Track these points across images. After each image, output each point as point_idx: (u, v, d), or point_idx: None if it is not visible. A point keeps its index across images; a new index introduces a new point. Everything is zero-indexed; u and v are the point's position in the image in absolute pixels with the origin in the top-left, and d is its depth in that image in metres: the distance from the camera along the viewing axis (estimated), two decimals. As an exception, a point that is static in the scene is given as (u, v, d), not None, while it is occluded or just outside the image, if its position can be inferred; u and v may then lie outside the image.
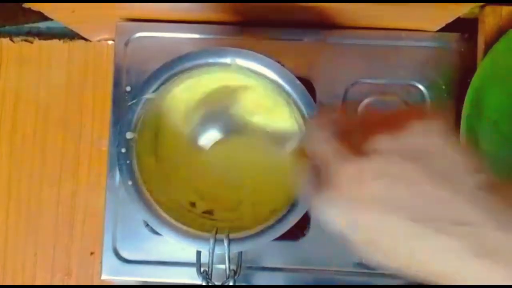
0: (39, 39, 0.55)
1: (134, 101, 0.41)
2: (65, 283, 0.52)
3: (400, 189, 0.23)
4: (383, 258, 0.25)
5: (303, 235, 0.46)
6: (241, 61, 0.41)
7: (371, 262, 0.25)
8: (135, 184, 0.40)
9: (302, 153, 0.28)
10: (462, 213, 0.22)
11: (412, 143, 0.24)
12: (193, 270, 0.40)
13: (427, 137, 0.24)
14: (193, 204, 0.45)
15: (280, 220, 0.39)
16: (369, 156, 0.24)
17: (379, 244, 0.24)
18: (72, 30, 0.52)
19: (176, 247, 0.46)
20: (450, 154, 0.23)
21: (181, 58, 0.41)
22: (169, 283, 0.47)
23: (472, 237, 0.22)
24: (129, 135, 0.41)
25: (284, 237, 0.40)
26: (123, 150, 0.40)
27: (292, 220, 0.39)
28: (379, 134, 0.24)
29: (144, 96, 0.41)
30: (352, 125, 0.27)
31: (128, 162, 0.40)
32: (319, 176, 0.26)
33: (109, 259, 0.47)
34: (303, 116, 0.41)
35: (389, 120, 0.25)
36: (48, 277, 0.52)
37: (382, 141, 0.24)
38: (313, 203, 0.26)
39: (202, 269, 0.40)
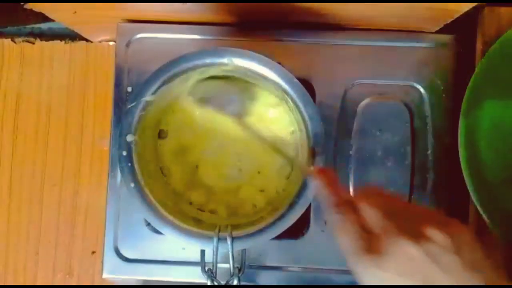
0: (41, 40, 0.55)
1: (133, 103, 0.41)
2: (66, 282, 0.52)
3: (440, 272, 0.28)
4: None
5: (303, 234, 0.46)
6: (239, 62, 0.41)
7: None
8: (137, 186, 0.40)
9: (349, 210, 0.32)
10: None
11: (454, 242, 0.29)
12: (194, 268, 0.40)
13: (463, 241, 0.29)
14: (194, 204, 0.45)
15: (282, 217, 0.40)
16: (424, 242, 0.29)
17: None
18: (73, 31, 0.52)
19: (177, 246, 0.46)
20: (473, 255, 0.29)
21: (179, 59, 0.41)
22: (169, 282, 0.47)
23: None
24: (129, 137, 0.41)
25: (285, 236, 0.40)
26: (124, 153, 0.41)
27: (294, 216, 0.40)
28: (433, 229, 0.29)
29: (143, 98, 0.41)
30: (402, 209, 0.32)
31: (129, 164, 0.41)
32: (368, 240, 0.30)
33: (110, 258, 0.47)
34: (302, 116, 0.41)
35: (441, 222, 0.30)
36: (49, 276, 0.52)
37: (436, 235, 0.29)
38: (356, 260, 0.30)
39: (206, 268, 0.40)
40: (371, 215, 0.31)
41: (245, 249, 0.41)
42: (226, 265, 0.40)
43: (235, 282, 0.40)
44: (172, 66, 0.41)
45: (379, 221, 0.31)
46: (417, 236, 0.29)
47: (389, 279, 0.29)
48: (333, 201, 0.33)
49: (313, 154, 0.40)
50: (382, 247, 0.29)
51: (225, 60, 0.41)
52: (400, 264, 0.29)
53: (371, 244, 0.30)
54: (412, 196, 0.47)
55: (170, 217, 0.40)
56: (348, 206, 0.32)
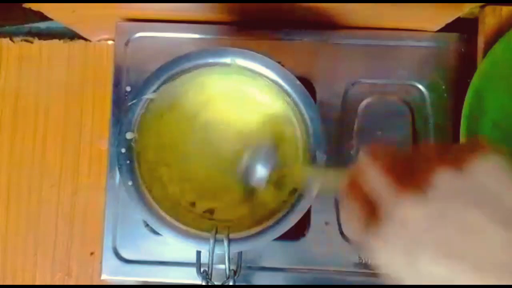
0: (39, 39, 0.55)
1: (134, 101, 0.41)
2: (65, 283, 0.52)
3: (462, 235, 0.21)
4: None
5: (303, 235, 0.46)
6: (241, 61, 0.41)
7: None
8: (135, 184, 0.40)
9: (353, 185, 0.27)
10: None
11: (474, 182, 0.22)
12: (193, 270, 0.40)
13: (489, 174, 0.22)
14: (193, 204, 0.45)
15: (280, 220, 0.39)
16: (428, 195, 0.22)
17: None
18: (72, 30, 0.52)
19: (176, 247, 0.46)
20: None
21: (181, 58, 0.41)
22: (168, 283, 0.47)
23: None
24: (129, 135, 0.41)
25: (284, 237, 0.40)
26: (123, 150, 0.40)
27: (292, 220, 0.39)
28: (437, 170, 0.22)
29: (144, 96, 0.41)
30: (406, 158, 0.26)
31: (128, 162, 0.40)
32: (371, 212, 0.25)
33: (109, 259, 0.47)
34: (303, 116, 0.41)
35: (446, 155, 0.23)
36: (48, 277, 0.52)
37: (441, 178, 0.22)
38: (364, 240, 0.25)
39: (202, 269, 0.40)
40: (373, 180, 0.25)
41: (241, 251, 0.41)
42: (223, 267, 0.39)
43: (230, 284, 0.40)
44: (174, 65, 0.41)
45: (380, 183, 0.24)
46: (418, 188, 0.22)
47: (393, 252, 0.23)
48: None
49: (313, 155, 0.40)
50: (382, 214, 0.23)
51: (227, 60, 0.41)
52: (400, 231, 0.22)
53: (374, 214, 0.24)
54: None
55: (168, 217, 0.40)
56: (353, 184, 0.27)
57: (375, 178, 0.25)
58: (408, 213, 0.22)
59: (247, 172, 0.43)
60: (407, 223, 0.22)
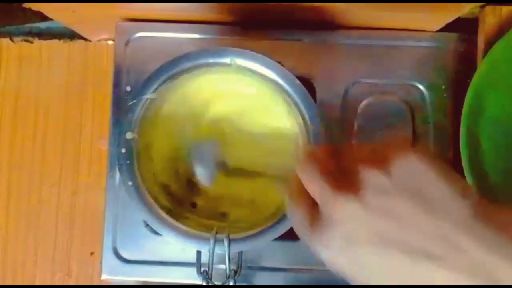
0: (39, 39, 0.55)
1: (134, 101, 0.41)
2: (65, 283, 0.52)
3: (391, 223, 0.23)
4: None
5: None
6: (241, 61, 0.41)
7: None
8: (135, 185, 0.40)
9: (296, 189, 0.28)
10: (456, 243, 0.22)
11: (401, 177, 0.24)
12: (193, 270, 0.40)
13: (414, 170, 0.24)
14: (193, 204, 0.45)
15: (280, 220, 0.39)
16: (358, 193, 0.24)
17: (374, 278, 0.24)
18: (72, 30, 0.52)
19: (176, 247, 0.46)
20: (436, 183, 0.23)
21: (181, 58, 0.41)
22: (169, 283, 0.47)
23: (468, 267, 0.22)
24: (129, 135, 0.41)
25: (284, 237, 0.40)
26: (123, 151, 0.40)
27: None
28: (365, 170, 0.24)
29: (144, 96, 0.41)
30: (340, 159, 0.28)
31: (128, 162, 0.40)
32: (313, 215, 0.26)
33: (109, 259, 0.47)
34: (303, 116, 0.41)
35: (375, 154, 0.25)
36: (48, 277, 0.52)
37: (369, 178, 0.24)
38: (308, 243, 0.26)
39: (202, 269, 0.40)
40: (311, 183, 0.27)
41: (241, 251, 0.41)
42: (223, 267, 0.39)
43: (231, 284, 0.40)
44: (174, 65, 0.41)
45: (317, 185, 0.26)
46: (350, 188, 0.24)
47: (336, 251, 0.25)
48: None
49: None
50: (322, 216, 0.25)
51: (227, 60, 0.41)
52: (337, 230, 0.24)
53: (316, 217, 0.26)
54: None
55: (167, 217, 0.40)
56: (296, 189, 0.28)
57: (312, 181, 0.27)
58: (343, 212, 0.24)
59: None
60: (343, 221, 0.24)
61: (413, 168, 0.24)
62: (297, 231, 0.28)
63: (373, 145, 0.27)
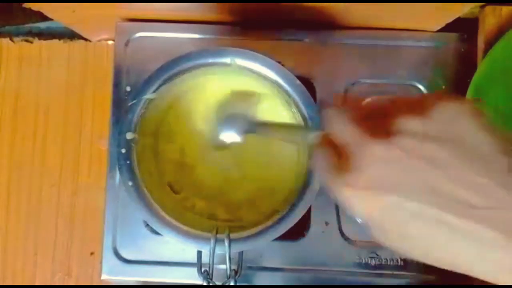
0: (39, 39, 0.55)
1: (134, 101, 0.41)
2: (65, 283, 0.52)
3: (425, 173, 0.22)
4: (403, 246, 0.23)
5: (303, 235, 0.46)
6: (241, 61, 0.41)
7: (390, 248, 0.24)
8: (135, 185, 0.40)
9: (322, 139, 0.27)
10: (494, 197, 0.21)
11: (440, 124, 0.22)
12: (193, 270, 0.40)
13: (455, 118, 0.22)
14: (193, 204, 0.45)
15: (280, 220, 0.39)
16: (394, 137, 0.23)
17: (396, 231, 0.23)
18: (72, 30, 0.52)
19: (176, 247, 0.46)
20: (479, 136, 0.22)
21: (181, 58, 0.41)
22: (169, 283, 0.47)
23: (504, 225, 0.20)
24: (129, 135, 0.41)
25: (284, 237, 0.40)
26: (123, 151, 0.40)
27: (292, 220, 0.39)
28: (404, 116, 0.23)
29: (144, 97, 0.41)
30: (375, 109, 0.26)
31: (128, 162, 0.40)
32: (340, 160, 0.25)
33: (109, 259, 0.47)
34: (303, 116, 0.41)
35: (414, 104, 0.24)
36: (48, 277, 0.52)
37: (408, 123, 0.23)
38: (334, 187, 0.25)
39: (203, 269, 0.40)
40: (341, 128, 0.25)
41: (242, 251, 0.41)
42: (224, 267, 0.39)
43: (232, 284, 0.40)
44: (174, 65, 0.41)
45: (349, 133, 0.25)
46: (386, 133, 0.23)
47: (361, 196, 0.23)
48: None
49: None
50: (351, 161, 0.24)
51: (227, 60, 0.41)
52: (369, 174, 0.23)
53: (343, 161, 0.24)
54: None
55: (168, 217, 0.40)
56: (324, 137, 0.27)
57: (343, 127, 0.25)
58: (374, 158, 0.23)
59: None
60: (375, 164, 0.23)
61: (455, 114, 0.22)
62: (321, 173, 0.26)
63: (409, 97, 0.26)
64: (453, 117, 0.23)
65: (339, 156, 0.25)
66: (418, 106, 0.23)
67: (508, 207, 0.21)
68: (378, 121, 0.24)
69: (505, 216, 0.21)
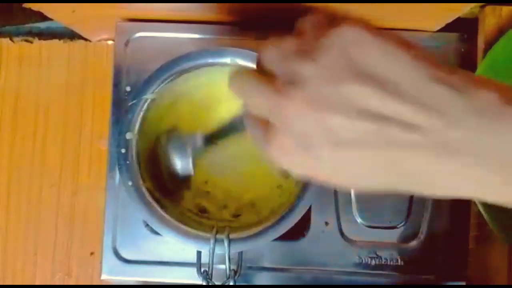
0: (39, 39, 0.55)
1: (134, 101, 0.41)
2: (65, 283, 0.52)
3: (340, 116, 0.21)
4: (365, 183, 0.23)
5: (303, 235, 0.46)
6: (241, 61, 0.41)
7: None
8: (135, 185, 0.40)
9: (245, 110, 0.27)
10: (411, 115, 0.20)
11: (335, 54, 0.22)
12: (193, 270, 0.40)
13: (348, 45, 0.22)
14: (193, 204, 0.45)
15: (280, 221, 0.39)
16: (298, 87, 0.22)
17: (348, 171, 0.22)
18: (72, 30, 0.52)
19: (176, 247, 0.46)
20: (383, 45, 0.22)
21: (181, 58, 0.41)
22: (169, 283, 0.47)
23: (429, 141, 0.20)
24: (129, 135, 0.41)
25: (284, 237, 0.40)
26: (123, 151, 0.40)
27: (292, 220, 0.39)
28: (296, 60, 0.23)
29: (144, 96, 0.41)
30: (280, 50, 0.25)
31: (128, 162, 0.40)
32: (267, 125, 0.24)
33: (109, 259, 0.47)
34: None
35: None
36: (48, 277, 0.52)
37: (300, 67, 0.22)
38: (268, 155, 0.25)
39: (202, 269, 0.40)
40: (256, 96, 0.25)
41: (241, 251, 0.41)
42: (223, 267, 0.39)
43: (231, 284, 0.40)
44: (174, 65, 0.41)
45: (261, 94, 0.24)
46: (287, 89, 0.22)
47: (296, 160, 0.23)
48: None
49: None
50: (272, 124, 0.23)
51: (228, 60, 0.41)
52: (287, 132, 0.22)
53: (268, 127, 0.24)
54: (412, 196, 0.47)
55: (168, 217, 0.40)
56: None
57: (252, 95, 0.25)
58: (288, 109, 0.22)
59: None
60: (292, 120, 0.22)
61: (352, 40, 0.22)
62: (256, 145, 0.26)
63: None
64: (347, 45, 0.22)
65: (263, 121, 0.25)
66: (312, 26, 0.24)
67: (426, 127, 0.20)
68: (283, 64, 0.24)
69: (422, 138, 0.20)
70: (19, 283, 0.52)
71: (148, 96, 0.41)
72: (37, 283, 0.52)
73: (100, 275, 0.47)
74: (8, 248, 0.52)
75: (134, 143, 0.41)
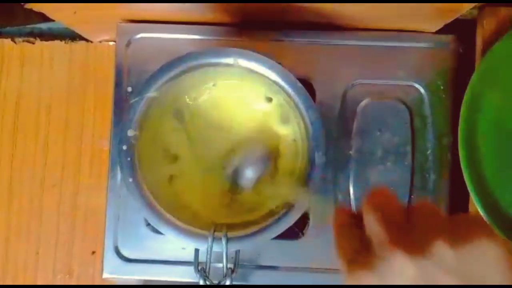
0: (41, 39, 0.55)
1: (136, 99, 0.41)
2: (66, 283, 0.52)
3: None
4: None
5: (302, 234, 0.46)
6: (244, 62, 0.41)
7: None
8: (136, 181, 0.40)
9: (346, 221, 0.29)
10: None
11: (470, 262, 0.23)
12: (193, 268, 0.41)
13: (486, 261, 0.23)
14: (192, 202, 0.45)
15: (278, 220, 0.40)
16: (422, 259, 0.24)
17: None
18: (73, 31, 0.52)
19: (177, 246, 0.46)
20: (497, 278, 0.23)
21: (183, 58, 0.41)
22: (169, 282, 0.47)
23: None
24: (130, 132, 0.41)
25: (283, 236, 0.40)
26: (124, 147, 0.41)
27: (290, 219, 0.40)
28: (436, 239, 0.24)
29: (146, 94, 0.41)
30: (405, 214, 0.28)
31: (129, 159, 0.41)
32: (361, 244, 0.27)
33: (110, 258, 0.47)
34: (303, 119, 0.41)
35: (446, 226, 0.25)
36: (49, 276, 0.52)
37: (440, 248, 0.24)
38: (347, 275, 0.27)
39: (199, 267, 0.40)
40: (369, 220, 0.27)
41: (239, 250, 0.41)
42: (221, 265, 0.40)
43: (228, 283, 0.40)
44: (176, 64, 0.41)
45: (375, 227, 0.26)
46: (417, 250, 0.24)
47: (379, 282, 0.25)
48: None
49: (312, 156, 0.40)
50: (372, 261, 0.25)
51: (230, 60, 0.41)
52: (390, 274, 0.24)
53: (364, 255, 0.26)
54: (412, 196, 0.47)
55: (167, 215, 0.40)
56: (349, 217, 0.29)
57: (372, 225, 0.27)
58: (401, 265, 0.24)
59: (237, 172, 0.43)
60: (398, 273, 0.24)
61: (485, 256, 0.23)
62: (339, 251, 0.28)
63: (445, 216, 0.27)
64: (483, 258, 0.23)
65: (360, 240, 0.27)
66: (450, 231, 0.24)
67: None
68: (406, 229, 0.26)
69: None
70: (20, 282, 0.52)
71: (150, 94, 0.41)
72: (38, 282, 0.52)
73: (101, 274, 0.47)
74: (9, 247, 0.53)
75: (135, 140, 0.41)
